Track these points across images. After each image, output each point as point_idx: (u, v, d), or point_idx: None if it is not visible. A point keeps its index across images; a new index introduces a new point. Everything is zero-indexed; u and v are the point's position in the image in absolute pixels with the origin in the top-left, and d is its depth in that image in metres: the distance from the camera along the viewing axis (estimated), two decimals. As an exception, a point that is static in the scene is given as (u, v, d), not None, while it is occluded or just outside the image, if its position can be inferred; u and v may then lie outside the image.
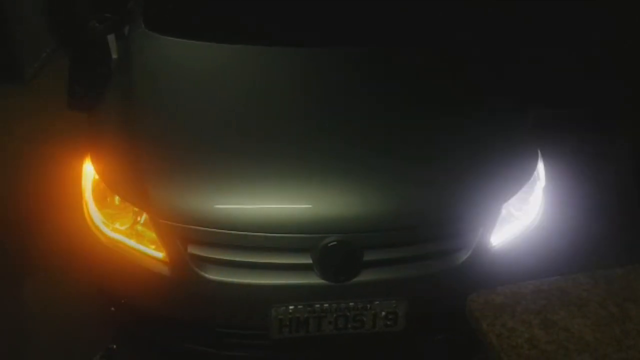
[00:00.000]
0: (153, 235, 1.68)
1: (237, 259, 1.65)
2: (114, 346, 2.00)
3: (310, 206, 1.67)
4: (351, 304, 1.66)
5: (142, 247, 1.70)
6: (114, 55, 3.29)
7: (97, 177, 1.79)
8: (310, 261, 1.63)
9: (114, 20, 2.42)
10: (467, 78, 2.24)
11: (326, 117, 1.93)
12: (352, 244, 1.62)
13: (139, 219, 1.72)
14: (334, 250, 1.61)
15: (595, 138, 3.12)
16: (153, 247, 1.70)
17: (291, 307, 1.65)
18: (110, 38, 3.36)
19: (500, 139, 1.92)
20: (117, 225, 1.74)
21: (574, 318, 1.11)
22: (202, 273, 1.64)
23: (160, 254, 1.68)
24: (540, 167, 1.94)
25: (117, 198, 1.75)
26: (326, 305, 1.65)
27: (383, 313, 1.68)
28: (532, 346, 1.04)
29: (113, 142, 1.88)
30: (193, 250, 1.65)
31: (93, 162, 1.83)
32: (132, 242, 1.71)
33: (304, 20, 2.31)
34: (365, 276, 1.65)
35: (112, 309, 1.88)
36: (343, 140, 1.84)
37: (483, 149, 1.86)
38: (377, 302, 1.66)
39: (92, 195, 1.79)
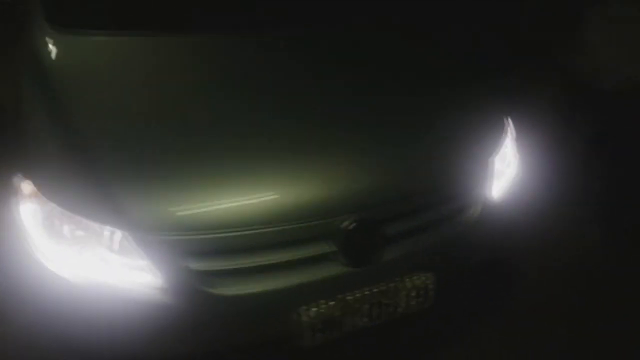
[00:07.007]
0: (137, 258, 1.33)
1: (249, 264, 1.38)
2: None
3: (318, 189, 1.46)
4: (382, 288, 1.49)
5: (123, 277, 1.34)
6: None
7: (41, 198, 1.38)
8: (330, 249, 1.44)
9: None
10: (430, 51, 2.24)
11: (301, 101, 1.72)
12: (372, 220, 1.46)
13: (111, 241, 1.35)
14: (357, 230, 1.44)
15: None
16: (139, 273, 1.34)
17: (323, 306, 1.42)
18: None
19: (472, 106, 1.91)
20: (80, 257, 1.35)
21: None
22: (210, 290, 1.34)
23: (151, 279, 1.33)
24: (510, 123, 1.97)
25: (71, 223, 1.36)
26: (358, 294, 1.46)
27: (414, 293, 1.54)
28: None
29: (54, 158, 1.45)
30: (194, 263, 1.34)
31: (33, 181, 1.40)
32: (107, 273, 1.34)
33: (233, 6, 2.07)
34: (390, 253, 1.51)
35: None
36: (329, 121, 1.66)
37: (461, 116, 1.83)
38: (407, 279, 1.53)
39: (38, 222, 1.37)
